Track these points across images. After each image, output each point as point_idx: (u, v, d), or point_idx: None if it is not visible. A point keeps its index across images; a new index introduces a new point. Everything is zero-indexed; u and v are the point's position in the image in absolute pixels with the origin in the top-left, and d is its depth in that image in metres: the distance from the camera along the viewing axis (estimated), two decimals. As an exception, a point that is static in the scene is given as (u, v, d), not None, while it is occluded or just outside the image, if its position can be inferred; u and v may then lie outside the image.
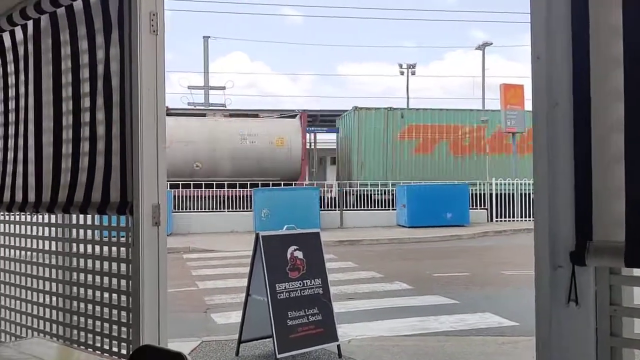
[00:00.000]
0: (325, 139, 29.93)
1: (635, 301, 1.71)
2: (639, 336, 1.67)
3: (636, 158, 1.56)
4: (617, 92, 1.59)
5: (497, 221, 21.99)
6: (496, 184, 22.55)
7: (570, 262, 1.67)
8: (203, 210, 21.74)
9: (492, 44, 30.64)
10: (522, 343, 5.81)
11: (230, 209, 21.87)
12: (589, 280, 1.67)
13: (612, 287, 1.67)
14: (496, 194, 22.53)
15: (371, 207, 22.94)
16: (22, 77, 3.83)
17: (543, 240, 1.72)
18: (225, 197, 21.85)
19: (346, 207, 21.99)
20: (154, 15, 2.93)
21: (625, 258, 1.56)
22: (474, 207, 22.10)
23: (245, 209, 21.44)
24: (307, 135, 26.27)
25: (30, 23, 3.71)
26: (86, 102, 3.31)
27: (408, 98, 41.69)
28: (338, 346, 5.48)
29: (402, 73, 43.80)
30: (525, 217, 22.09)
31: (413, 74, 44.28)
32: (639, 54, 1.55)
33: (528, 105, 25.21)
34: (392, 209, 21.99)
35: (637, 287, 1.66)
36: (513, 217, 22.27)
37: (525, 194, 22.36)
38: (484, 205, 22.60)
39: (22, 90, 3.82)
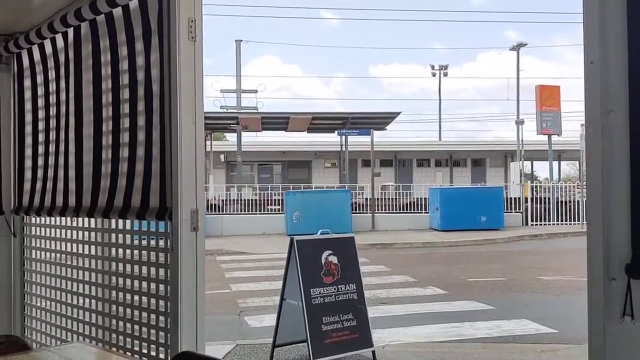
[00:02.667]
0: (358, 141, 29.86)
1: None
2: (700, 353, 1.59)
3: (697, 166, 1.49)
4: (676, 97, 1.52)
5: (532, 225, 21.59)
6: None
7: (625, 274, 1.61)
8: (235, 212, 21.91)
9: (526, 44, 30.12)
10: (562, 351, 5.67)
11: (262, 212, 21.99)
12: (646, 293, 1.60)
13: (671, 302, 1.59)
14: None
15: (403, 209, 22.78)
16: (62, 83, 3.90)
17: (597, 250, 1.65)
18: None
19: (378, 209, 21.88)
20: (192, 21, 2.94)
21: (686, 272, 1.49)
22: (509, 211, 21.75)
23: (276, 211, 21.53)
24: (338, 137, 26.26)
25: (70, 30, 3.76)
26: (126, 108, 3.34)
27: (440, 100, 41.34)
28: (373, 352, 5.43)
29: (434, 75, 43.49)
30: (561, 221, 21.65)
31: (445, 75, 43.95)
32: (701, 58, 1.48)
33: (564, 107, 24.76)
34: (425, 212, 21.79)
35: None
36: (548, 221, 21.84)
37: (559, 199, 21.95)
38: (519, 209, 22.22)
39: (62, 96, 3.89)
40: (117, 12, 3.36)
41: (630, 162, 1.59)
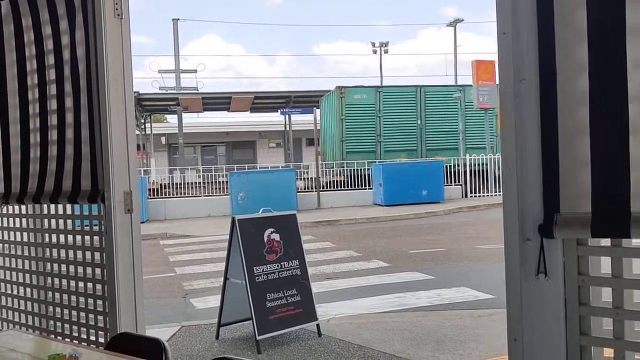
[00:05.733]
0: (301, 120, 29.89)
1: (603, 270, 1.76)
2: (607, 304, 1.72)
3: (601, 130, 1.59)
4: (582, 65, 1.62)
5: (471, 197, 22.25)
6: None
7: (538, 234, 1.71)
8: (179, 195, 21.60)
9: (463, 20, 30.72)
10: (498, 315, 5.93)
11: (207, 194, 21.77)
12: (557, 252, 1.71)
13: (580, 258, 1.71)
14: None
15: (348, 187, 23.01)
16: (-16, 65, 3.73)
17: (512, 213, 1.75)
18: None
19: (323, 187, 22.03)
20: (118, -2, 2.87)
21: (592, 229, 1.60)
22: (449, 184, 22.32)
23: (221, 193, 21.36)
24: (282, 117, 26.21)
25: (-10, 9, 3.60)
26: (53, 90, 3.24)
27: (382, 77, 41.66)
28: (317, 325, 5.52)
29: (375, 52, 43.77)
30: (498, 192, 22.40)
31: (386, 52, 44.27)
32: (603, 27, 1.57)
33: (500, 81, 25.43)
34: (369, 188, 22.09)
35: (604, 256, 1.71)
36: (486, 192, 22.56)
37: (496, 171, 22.70)
38: (459, 182, 22.84)
39: (-15, 79, 3.72)
40: (39, -11, 3.24)
41: (541, 128, 1.68)
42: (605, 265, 1.72)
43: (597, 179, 1.59)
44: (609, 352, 1.77)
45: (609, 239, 1.68)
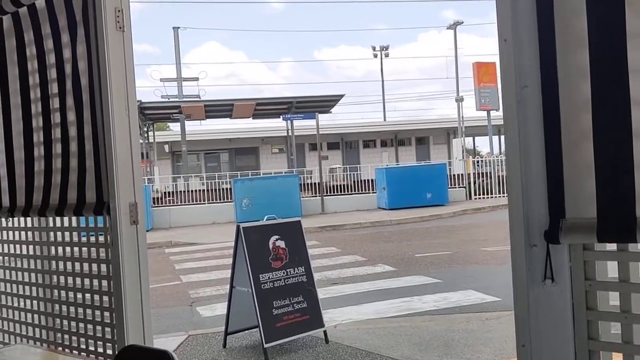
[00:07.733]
0: (303, 125, 29.92)
1: (610, 274, 1.75)
2: (615, 309, 1.71)
3: (604, 135, 1.59)
4: (583, 71, 1.62)
5: (475, 199, 22.23)
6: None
7: (544, 240, 1.71)
8: (183, 203, 21.62)
9: (462, 22, 30.71)
10: (505, 318, 5.91)
11: (211, 201, 21.80)
12: (563, 257, 1.70)
13: (586, 263, 1.70)
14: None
15: (352, 191, 23.03)
16: (-12, 80, 3.75)
17: (517, 220, 1.75)
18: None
19: (327, 192, 22.04)
20: (119, 11, 2.88)
21: (598, 234, 1.60)
22: (453, 186, 22.32)
23: (225, 200, 21.40)
24: (284, 122, 26.22)
25: (-8, 24, 3.62)
26: (55, 103, 3.26)
27: (383, 80, 41.74)
28: (324, 332, 5.52)
29: (375, 55, 43.88)
30: (502, 193, 22.36)
31: (387, 55, 44.40)
32: (602, 32, 1.57)
33: (501, 83, 25.39)
34: (373, 192, 22.10)
35: (610, 261, 1.70)
36: (490, 194, 22.53)
37: (500, 173, 22.65)
38: (463, 184, 22.83)
39: (-12, 93, 3.74)
40: (40, 3, 3.26)
41: (545, 133, 1.68)
42: (612, 269, 1.72)
43: (601, 184, 1.59)
44: (618, 356, 1.76)
45: (615, 244, 1.67)
